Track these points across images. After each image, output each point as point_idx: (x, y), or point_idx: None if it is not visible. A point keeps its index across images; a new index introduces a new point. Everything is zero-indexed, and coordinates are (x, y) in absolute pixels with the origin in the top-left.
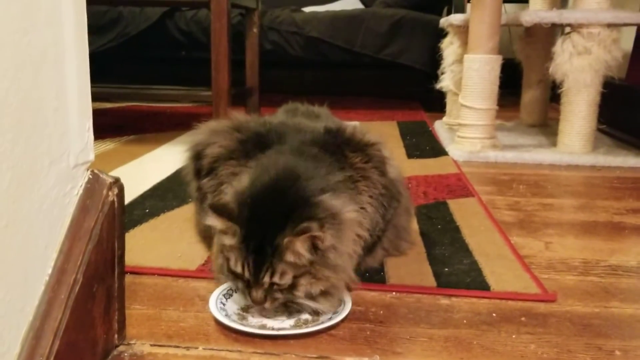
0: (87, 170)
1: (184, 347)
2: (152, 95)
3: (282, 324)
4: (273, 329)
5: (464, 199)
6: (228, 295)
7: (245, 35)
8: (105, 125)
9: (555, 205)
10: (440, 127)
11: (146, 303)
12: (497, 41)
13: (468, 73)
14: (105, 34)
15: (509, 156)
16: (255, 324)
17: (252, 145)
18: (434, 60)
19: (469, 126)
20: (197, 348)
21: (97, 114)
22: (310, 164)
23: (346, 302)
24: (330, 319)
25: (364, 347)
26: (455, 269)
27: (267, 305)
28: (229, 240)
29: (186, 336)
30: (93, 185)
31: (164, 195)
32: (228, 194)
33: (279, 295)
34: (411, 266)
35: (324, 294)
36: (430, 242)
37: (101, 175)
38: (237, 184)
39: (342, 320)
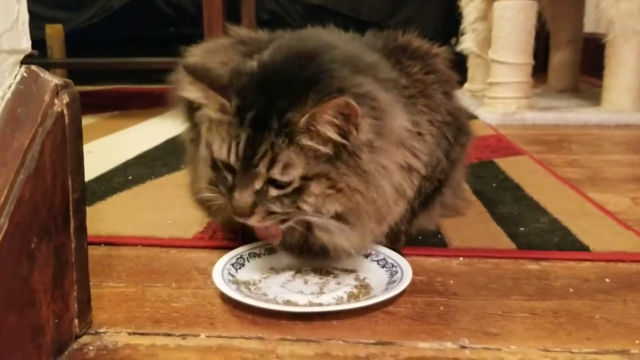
0: (20, 65)
1: (179, 336)
2: (135, 64)
3: (317, 300)
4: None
5: (513, 157)
6: (238, 264)
7: (240, 5)
8: (86, 105)
9: (623, 161)
10: (462, 96)
11: (125, 279)
12: None
13: (499, 23)
14: (86, 9)
15: (549, 117)
16: (278, 299)
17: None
18: (447, 27)
19: (501, 84)
20: (197, 336)
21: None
22: (353, 45)
23: (404, 269)
24: (385, 290)
25: (440, 328)
26: (533, 228)
27: (253, 220)
28: (214, 114)
29: (181, 320)
30: (29, 88)
31: (152, 164)
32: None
33: (275, 204)
34: (475, 227)
35: (341, 219)
36: (488, 200)
37: (42, 75)
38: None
39: (400, 294)
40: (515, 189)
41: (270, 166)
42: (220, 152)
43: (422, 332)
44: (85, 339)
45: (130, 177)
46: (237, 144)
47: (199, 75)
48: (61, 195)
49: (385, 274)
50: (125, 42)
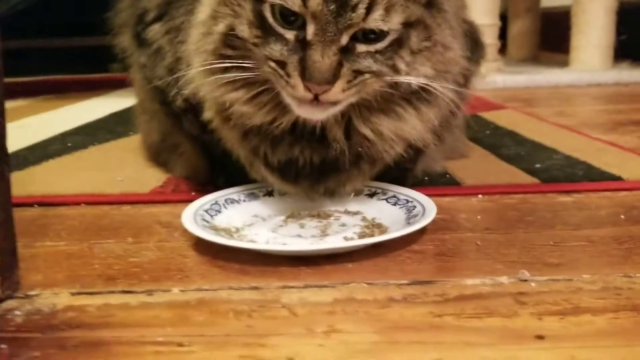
0: None
1: (143, 292)
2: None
3: (322, 243)
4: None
5: (496, 111)
6: (214, 211)
7: None
8: (16, 92)
9: (611, 110)
10: None
11: (65, 238)
12: None
13: None
14: None
15: (520, 80)
16: (271, 244)
17: None
18: None
19: None
20: (168, 291)
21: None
22: None
23: (423, 202)
24: (408, 225)
25: (485, 263)
26: (550, 164)
27: (336, 89)
28: None
29: (144, 276)
30: None
31: (94, 133)
32: None
33: (365, 61)
34: (484, 166)
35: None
36: (487, 145)
37: None
38: None
39: (422, 232)
40: (512, 135)
41: (370, 9)
42: None
43: (465, 268)
44: (10, 303)
45: (69, 145)
46: None
47: None
48: None
49: (400, 211)
50: (57, 29)
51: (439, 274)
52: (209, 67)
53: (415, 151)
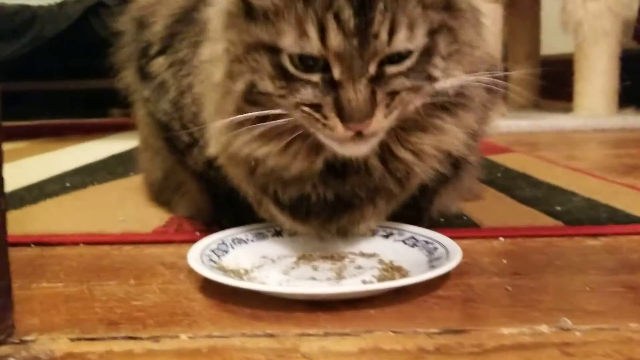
0: None
1: (148, 338)
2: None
3: (339, 287)
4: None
5: (504, 154)
6: (221, 251)
7: None
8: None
9: (623, 154)
10: None
11: (64, 279)
12: None
13: None
14: (16, 39)
15: (524, 124)
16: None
17: None
18: None
19: None
20: (176, 337)
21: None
22: None
23: (445, 244)
24: (432, 268)
25: (521, 310)
26: (571, 207)
27: (378, 117)
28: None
29: (149, 320)
30: None
31: (94, 173)
32: None
33: (399, 80)
34: (502, 208)
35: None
36: (500, 187)
37: None
38: None
39: (445, 276)
40: (524, 177)
41: (393, 32)
42: (304, 41)
43: (499, 315)
44: (3, 349)
45: (68, 184)
46: (336, 17)
47: None
48: None
49: (420, 254)
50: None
51: (471, 321)
52: (233, 124)
53: (454, 165)
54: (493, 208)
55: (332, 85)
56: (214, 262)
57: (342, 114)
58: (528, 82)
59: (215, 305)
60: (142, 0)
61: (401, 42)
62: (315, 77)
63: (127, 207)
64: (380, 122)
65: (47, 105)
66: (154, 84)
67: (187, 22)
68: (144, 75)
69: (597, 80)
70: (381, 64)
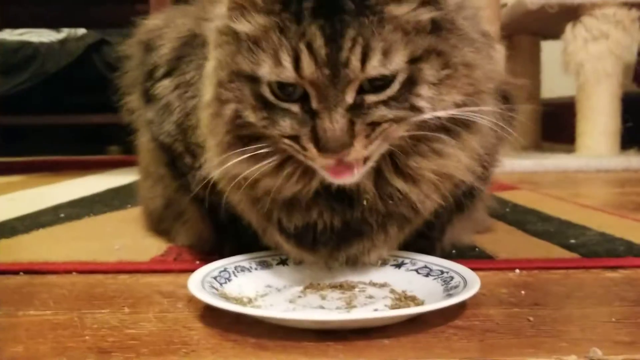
0: None
1: None
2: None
3: (349, 316)
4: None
5: (511, 191)
6: (223, 278)
7: None
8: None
9: (630, 192)
10: None
11: (52, 307)
12: (497, 28)
13: None
14: (18, 73)
15: (527, 164)
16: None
17: None
18: None
19: None
20: None
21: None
22: None
23: (461, 273)
24: (449, 297)
25: (546, 340)
26: (586, 240)
27: (357, 148)
28: (244, 26)
29: (143, 349)
30: None
31: (89, 205)
32: None
33: (379, 110)
34: (514, 241)
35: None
36: (511, 221)
37: None
38: None
39: (462, 306)
40: (533, 212)
41: (365, 57)
42: (280, 69)
43: (523, 346)
44: None
45: (62, 215)
46: (309, 45)
47: None
48: None
49: (434, 283)
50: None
51: (494, 352)
52: (225, 146)
53: (468, 194)
54: (505, 241)
55: (310, 115)
56: (216, 289)
57: (319, 144)
58: (529, 124)
59: (217, 335)
60: (150, 24)
61: (374, 67)
62: (295, 107)
63: (123, 237)
64: (360, 152)
65: (44, 141)
66: (158, 106)
67: (195, 45)
68: (149, 97)
69: (599, 121)
70: (360, 92)
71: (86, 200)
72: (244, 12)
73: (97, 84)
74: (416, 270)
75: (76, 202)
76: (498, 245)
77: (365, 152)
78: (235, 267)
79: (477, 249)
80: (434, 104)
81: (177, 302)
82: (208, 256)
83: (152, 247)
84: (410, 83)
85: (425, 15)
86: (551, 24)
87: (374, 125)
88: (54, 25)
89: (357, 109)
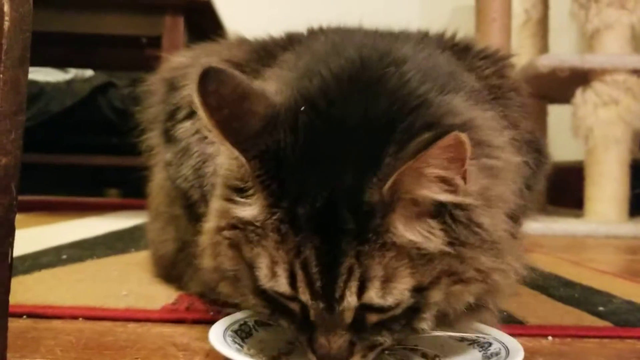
0: None
1: None
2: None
3: None
4: None
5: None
6: (243, 333)
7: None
8: None
9: None
10: None
11: (60, 355)
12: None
13: None
14: None
15: (537, 227)
16: None
17: (281, 49)
18: None
19: None
20: None
21: None
22: (416, 49)
23: (501, 339)
24: None
25: None
26: (614, 308)
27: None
28: (243, 210)
29: None
30: None
31: (92, 248)
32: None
33: (380, 335)
34: (541, 306)
35: (471, 308)
36: (532, 285)
37: None
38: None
39: None
40: (554, 278)
41: (363, 289)
42: (276, 282)
43: None
44: None
45: (64, 257)
46: (305, 268)
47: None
48: None
49: (471, 348)
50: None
51: None
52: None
53: None
54: (532, 305)
55: (309, 322)
56: (239, 345)
57: (316, 355)
58: None
59: None
60: (175, 61)
61: (371, 299)
62: (295, 306)
63: (129, 282)
64: None
65: (42, 180)
66: (177, 148)
67: None
68: (169, 138)
69: (608, 187)
70: (364, 308)
71: (88, 242)
72: (240, 182)
73: (100, 126)
74: (448, 336)
75: (78, 243)
76: (526, 310)
77: None
78: (256, 322)
79: (505, 313)
80: (441, 315)
81: (194, 356)
82: (222, 307)
83: (162, 295)
84: (415, 309)
85: (436, 242)
86: (561, 88)
87: (372, 348)
88: (62, 65)
89: (357, 327)
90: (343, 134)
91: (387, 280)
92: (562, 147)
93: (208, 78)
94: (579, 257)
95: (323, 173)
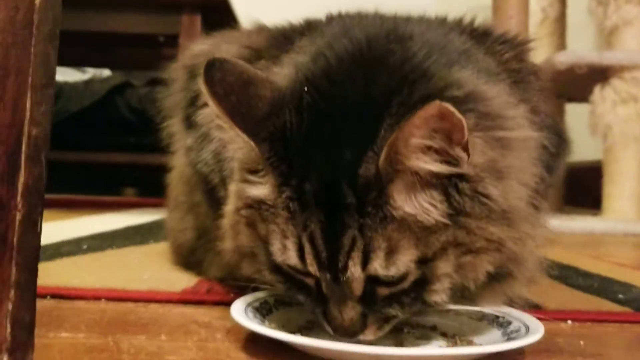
0: None
1: None
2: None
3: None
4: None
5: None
6: (265, 310)
7: None
8: None
9: None
10: None
11: (84, 330)
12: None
13: None
14: None
15: (553, 224)
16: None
17: (299, 35)
18: None
19: None
20: None
21: None
22: (427, 28)
23: (521, 318)
24: (507, 339)
25: None
26: (634, 296)
27: (369, 335)
28: (256, 190)
29: None
30: None
31: (111, 239)
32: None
33: (391, 308)
34: (560, 293)
35: (496, 278)
36: (552, 276)
37: None
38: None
39: (520, 352)
40: (571, 269)
41: (366, 261)
42: (287, 256)
43: None
44: None
45: (84, 247)
46: (312, 241)
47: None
48: (9, 125)
49: (491, 327)
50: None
51: None
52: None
53: None
54: (551, 293)
55: (324, 295)
56: (260, 320)
57: (330, 325)
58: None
59: None
60: (196, 49)
61: (375, 270)
62: (310, 281)
63: (150, 269)
64: (372, 335)
65: (60, 178)
66: (198, 133)
67: None
68: (190, 124)
69: (626, 184)
70: (373, 281)
71: (107, 234)
72: (250, 162)
73: (117, 126)
74: (468, 316)
75: (97, 235)
76: (544, 296)
77: (380, 334)
78: (276, 300)
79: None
80: (454, 288)
81: (216, 333)
82: (242, 291)
83: (182, 280)
84: (423, 281)
85: (436, 214)
86: (579, 86)
87: (386, 319)
88: (79, 64)
89: (369, 300)
90: (344, 112)
91: (390, 252)
92: (579, 147)
93: (213, 68)
94: (597, 253)
95: (326, 151)
